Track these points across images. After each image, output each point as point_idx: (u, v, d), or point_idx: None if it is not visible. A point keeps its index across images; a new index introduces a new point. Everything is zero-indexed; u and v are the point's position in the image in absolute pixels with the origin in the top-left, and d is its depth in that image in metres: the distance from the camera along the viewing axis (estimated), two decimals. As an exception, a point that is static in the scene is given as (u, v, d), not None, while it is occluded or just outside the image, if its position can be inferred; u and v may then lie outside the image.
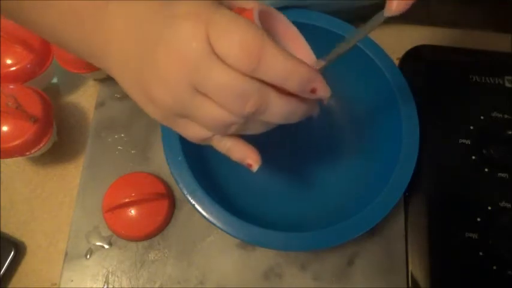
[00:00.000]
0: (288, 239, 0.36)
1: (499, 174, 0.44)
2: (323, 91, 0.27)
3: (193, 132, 0.29)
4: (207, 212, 0.36)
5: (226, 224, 0.36)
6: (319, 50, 0.45)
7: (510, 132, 0.46)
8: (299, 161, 0.46)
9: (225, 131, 0.28)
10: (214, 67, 0.25)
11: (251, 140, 0.31)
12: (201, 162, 0.40)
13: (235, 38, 0.24)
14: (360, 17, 0.46)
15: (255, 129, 0.29)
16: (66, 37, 0.31)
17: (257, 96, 0.26)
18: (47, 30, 0.32)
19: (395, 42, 0.51)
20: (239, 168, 0.42)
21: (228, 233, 0.36)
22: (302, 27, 0.42)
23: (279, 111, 0.27)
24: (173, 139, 0.38)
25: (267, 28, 0.30)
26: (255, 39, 0.24)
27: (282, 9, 0.41)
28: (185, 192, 0.36)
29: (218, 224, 0.36)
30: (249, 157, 0.30)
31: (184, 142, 0.38)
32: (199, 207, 0.36)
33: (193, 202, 0.36)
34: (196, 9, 0.25)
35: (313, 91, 0.26)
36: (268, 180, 0.45)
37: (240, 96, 0.26)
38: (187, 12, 0.25)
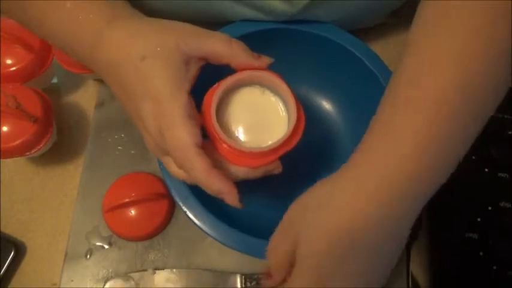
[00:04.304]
0: None
1: (499, 174, 0.44)
2: (229, 201, 0.31)
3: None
4: (198, 220, 0.36)
5: (215, 231, 0.36)
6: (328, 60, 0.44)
7: (510, 132, 0.46)
8: (295, 168, 0.45)
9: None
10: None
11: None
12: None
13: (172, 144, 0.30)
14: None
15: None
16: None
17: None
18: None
19: (395, 42, 0.51)
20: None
21: (220, 241, 0.36)
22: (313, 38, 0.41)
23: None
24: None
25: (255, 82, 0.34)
26: (180, 151, 0.30)
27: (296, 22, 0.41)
28: (177, 200, 0.36)
29: (209, 232, 0.36)
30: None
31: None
32: (191, 215, 0.36)
33: (185, 209, 0.36)
34: (157, 98, 0.30)
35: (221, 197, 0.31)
36: (263, 187, 0.44)
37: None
38: (151, 97, 0.30)
